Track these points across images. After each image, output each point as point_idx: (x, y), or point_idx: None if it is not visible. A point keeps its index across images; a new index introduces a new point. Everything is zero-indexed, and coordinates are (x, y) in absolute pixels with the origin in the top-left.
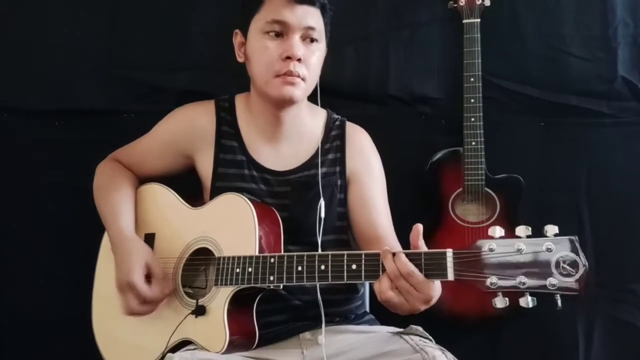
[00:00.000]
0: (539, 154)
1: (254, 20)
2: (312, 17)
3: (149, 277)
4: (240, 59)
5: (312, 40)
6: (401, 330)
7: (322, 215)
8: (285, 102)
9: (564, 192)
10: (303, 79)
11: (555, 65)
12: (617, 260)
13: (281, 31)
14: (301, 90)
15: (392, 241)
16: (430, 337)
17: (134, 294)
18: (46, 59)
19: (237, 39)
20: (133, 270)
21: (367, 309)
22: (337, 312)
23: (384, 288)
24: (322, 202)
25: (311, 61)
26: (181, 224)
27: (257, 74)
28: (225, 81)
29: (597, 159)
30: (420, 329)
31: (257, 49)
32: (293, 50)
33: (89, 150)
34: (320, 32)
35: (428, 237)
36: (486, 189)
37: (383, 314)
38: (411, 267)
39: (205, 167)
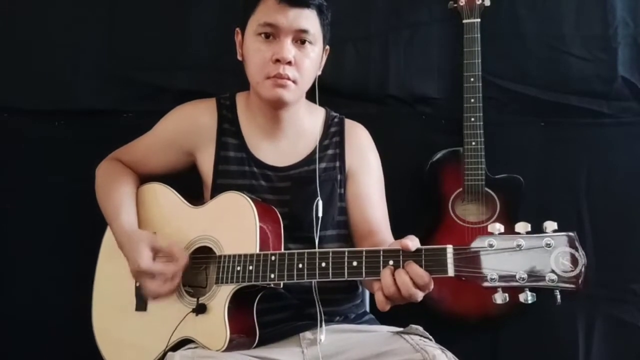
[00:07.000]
0: (539, 154)
1: (249, 21)
2: (306, 19)
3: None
4: (240, 57)
5: (305, 42)
6: (401, 329)
7: (320, 214)
8: (276, 104)
9: (564, 192)
10: (294, 81)
11: (555, 65)
12: (617, 260)
13: (272, 33)
14: (292, 92)
15: (385, 236)
16: (431, 337)
17: (149, 277)
18: (46, 59)
19: (238, 37)
20: (139, 256)
21: (367, 309)
22: (337, 311)
23: (387, 284)
24: (319, 199)
25: (304, 63)
26: (182, 223)
27: (250, 75)
28: (225, 81)
29: (597, 159)
30: (420, 328)
31: (250, 50)
32: (283, 53)
33: (89, 150)
34: (315, 34)
35: (428, 237)
36: (486, 189)
37: (383, 313)
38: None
39: (206, 165)
